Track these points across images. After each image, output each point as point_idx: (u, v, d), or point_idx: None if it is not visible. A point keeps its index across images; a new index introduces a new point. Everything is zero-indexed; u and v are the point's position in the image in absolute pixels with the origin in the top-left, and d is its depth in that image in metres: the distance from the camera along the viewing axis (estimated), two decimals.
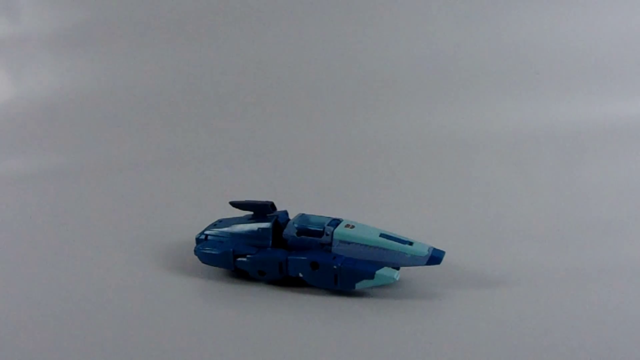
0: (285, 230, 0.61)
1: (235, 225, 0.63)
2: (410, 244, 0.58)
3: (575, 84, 0.98)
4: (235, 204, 0.64)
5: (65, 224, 0.80)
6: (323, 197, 0.85)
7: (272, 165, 0.95)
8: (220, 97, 1.03)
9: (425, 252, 0.58)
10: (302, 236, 0.60)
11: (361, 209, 0.76)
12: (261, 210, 0.63)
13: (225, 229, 0.63)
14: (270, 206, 0.63)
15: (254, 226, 0.62)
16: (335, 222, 0.61)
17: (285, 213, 0.65)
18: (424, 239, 0.61)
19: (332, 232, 0.59)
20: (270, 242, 0.61)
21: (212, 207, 0.75)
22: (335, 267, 0.57)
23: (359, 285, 0.58)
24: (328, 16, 1.03)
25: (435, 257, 0.58)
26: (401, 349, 0.52)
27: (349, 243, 0.59)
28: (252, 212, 0.64)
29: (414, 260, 0.58)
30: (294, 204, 0.70)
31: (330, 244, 0.59)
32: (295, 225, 0.61)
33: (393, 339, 0.53)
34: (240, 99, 1.03)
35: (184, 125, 1.02)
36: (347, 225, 0.60)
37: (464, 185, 0.88)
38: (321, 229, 0.60)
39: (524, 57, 0.99)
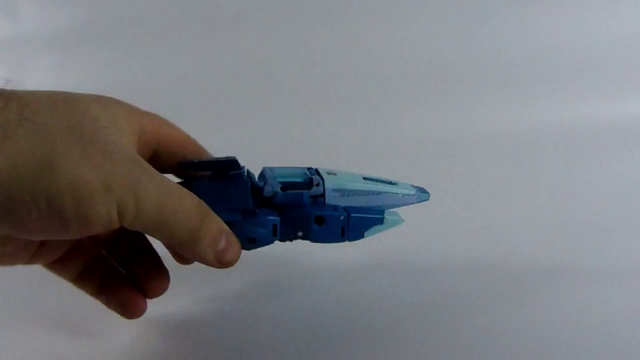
0: (267, 188, 0.51)
1: (207, 191, 0.49)
2: (395, 184, 0.54)
3: (578, 83, 0.99)
4: (186, 165, 0.50)
5: None
6: None
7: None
8: (223, 96, 1.03)
9: (413, 190, 0.54)
10: (289, 191, 0.51)
11: None
12: (226, 167, 0.49)
13: (205, 198, 0.48)
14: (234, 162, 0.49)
15: (227, 187, 0.49)
16: (315, 171, 0.54)
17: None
18: (425, 235, 0.61)
19: (323, 182, 0.52)
20: (252, 203, 0.50)
21: None
22: (342, 217, 0.51)
23: (368, 233, 0.52)
24: (328, 16, 1.03)
25: (424, 193, 0.54)
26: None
27: (341, 191, 0.52)
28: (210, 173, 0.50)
29: (406, 200, 0.54)
30: None
31: (322, 195, 0.52)
32: (278, 180, 0.52)
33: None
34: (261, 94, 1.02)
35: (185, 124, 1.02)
36: (329, 173, 0.53)
37: (464, 186, 0.88)
38: (308, 180, 0.52)
39: (529, 58, 1.00)
